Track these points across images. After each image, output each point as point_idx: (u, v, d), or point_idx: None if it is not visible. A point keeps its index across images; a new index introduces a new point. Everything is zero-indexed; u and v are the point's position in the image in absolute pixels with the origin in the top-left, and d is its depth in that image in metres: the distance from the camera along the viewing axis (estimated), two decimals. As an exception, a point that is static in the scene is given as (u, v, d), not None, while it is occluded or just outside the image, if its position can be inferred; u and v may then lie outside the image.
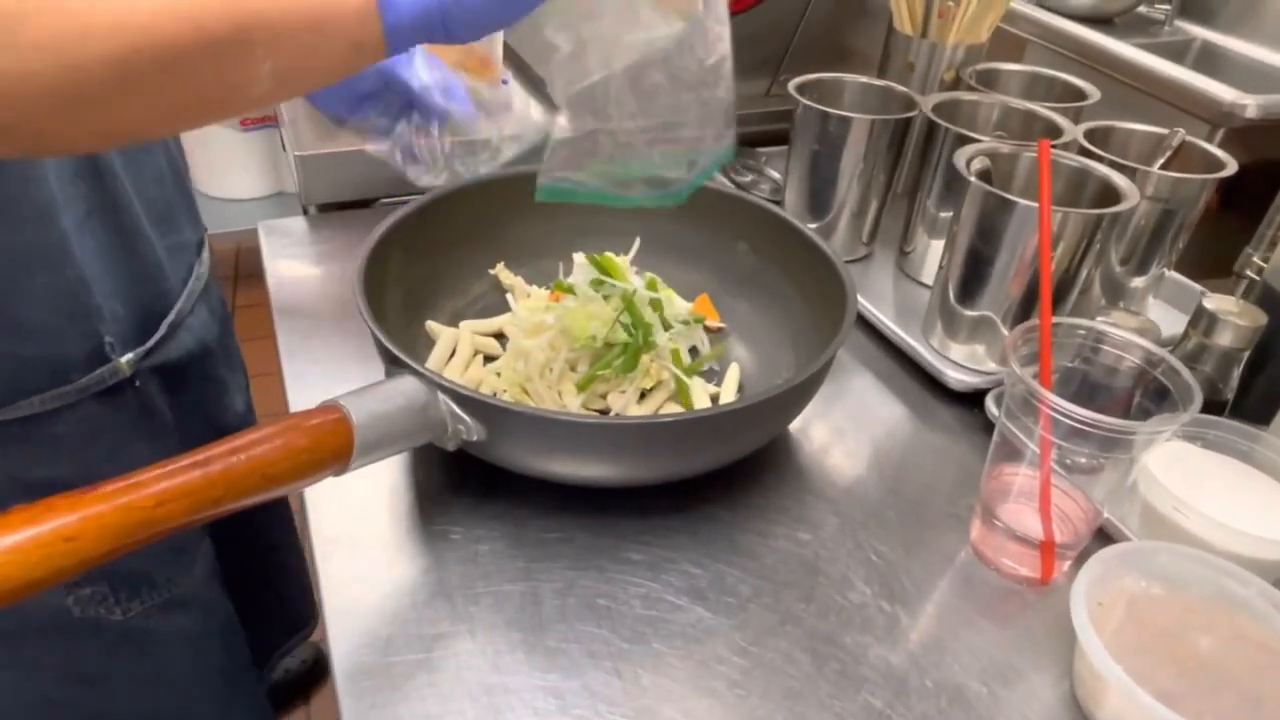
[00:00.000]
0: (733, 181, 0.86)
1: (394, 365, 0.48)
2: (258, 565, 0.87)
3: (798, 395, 0.52)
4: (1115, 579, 0.45)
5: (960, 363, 0.65)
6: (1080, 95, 0.77)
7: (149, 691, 0.67)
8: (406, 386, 0.45)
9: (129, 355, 0.56)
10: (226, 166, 2.01)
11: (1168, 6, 1.57)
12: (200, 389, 0.67)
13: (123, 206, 0.55)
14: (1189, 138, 0.69)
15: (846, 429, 0.62)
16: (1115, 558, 0.44)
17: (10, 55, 0.30)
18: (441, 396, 0.46)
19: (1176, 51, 1.53)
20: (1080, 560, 0.48)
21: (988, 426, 0.61)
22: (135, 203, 0.56)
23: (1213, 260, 0.92)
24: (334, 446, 0.42)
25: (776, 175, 0.87)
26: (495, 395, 0.58)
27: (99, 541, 0.34)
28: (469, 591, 0.47)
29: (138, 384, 0.58)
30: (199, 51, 0.33)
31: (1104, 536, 0.52)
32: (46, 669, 0.61)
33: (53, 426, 0.53)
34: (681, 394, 0.59)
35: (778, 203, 0.77)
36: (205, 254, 0.67)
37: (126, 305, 0.56)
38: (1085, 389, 0.52)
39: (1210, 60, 1.54)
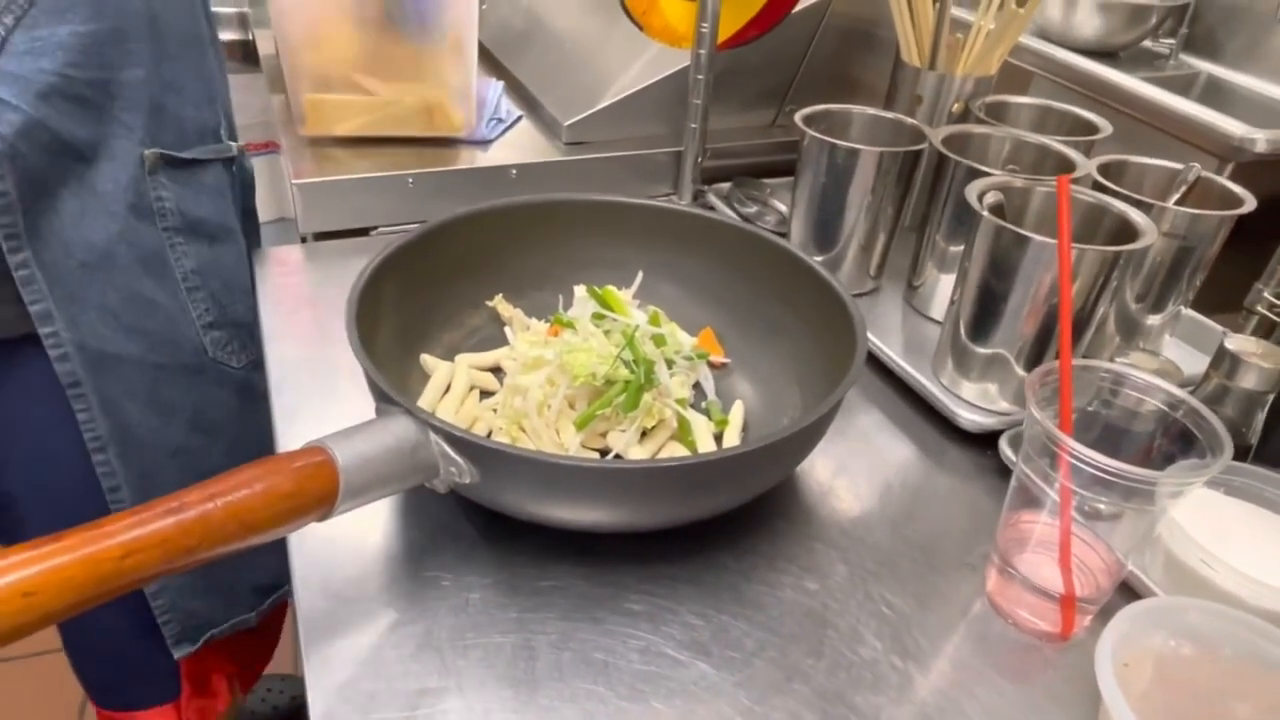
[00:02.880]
0: (737, 212, 0.85)
1: (384, 403, 0.46)
2: None
3: (806, 438, 0.50)
4: (1142, 637, 0.42)
5: (972, 402, 0.62)
6: (1091, 129, 0.76)
7: (248, 451, 0.72)
8: (396, 426, 0.43)
9: (233, 143, 0.76)
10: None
11: (1172, 41, 1.57)
12: (251, 213, 0.86)
13: (220, 46, 0.76)
14: (1205, 173, 0.67)
15: (854, 469, 0.59)
16: (1142, 614, 0.42)
17: None
18: (433, 437, 0.44)
19: (1182, 86, 1.53)
20: (1102, 615, 0.46)
21: (1001, 469, 0.59)
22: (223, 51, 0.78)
23: (1220, 296, 0.90)
24: (318, 491, 0.39)
25: (782, 207, 0.85)
26: (491, 433, 0.56)
27: (60, 596, 0.31)
28: (458, 643, 0.44)
29: (235, 169, 0.78)
30: None
31: (1126, 590, 0.50)
32: (180, 414, 0.73)
33: (204, 176, 0.72)
34: (684, 433, 0.57)
35: (783, 234, 0.76)
36: None
37: (223, 114, 0.76)
38: (1105, 433, 0.50)
39: (1215, 95, 1.54)
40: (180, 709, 0.83)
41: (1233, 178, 0.66)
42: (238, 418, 0.78)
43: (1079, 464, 0.42)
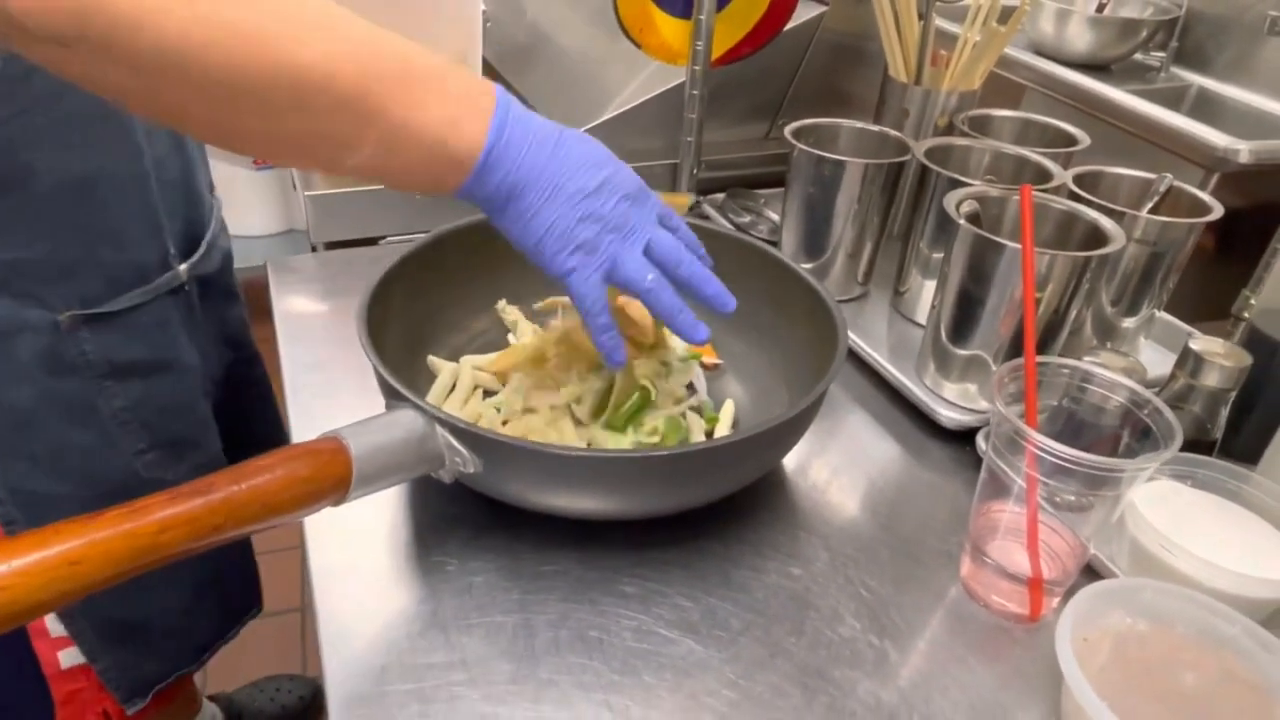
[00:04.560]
0: (731, 222, 0.88)
1: (393, 398, 0.49)
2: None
3: (790, 429, 0.53)
4: (1101, 615, 0.45)
5: (953, 401, 0.65)
6: (1071, 140, 0.79)
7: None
8: (405, 419, 0.47)
9: (184, 265, 0.73)
10: (238, 204, 2.05)
11: (1163, 54, 1.60)
12: (220, 295, 0.83)
13: (188, 149, 0.73)
14: (1177, 183, 0.70)
15: (841, 466, 0.62)
16: (1101, 594, 0.45)
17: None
18: (439, 429, 0.47)
19: (1172, 98, 1.56)
20: (1069, 597, 0.49)
21: (980, 464, 0.62)
22: (193, 146, 0.74)
23: (1211, 302, 0.93)
24: (333, 477, 0.43)
25: (775, 216, 0.88)
26: (495, 425, 0.59)
27: (103, 566, 0.35)
28: (463, 623, 0.47)
29: (187, 288, 0.74)
30: (325, 99, 0.40)
31: (1093, 574, 0.53)
32: None
33: (138, 317, 0.69)
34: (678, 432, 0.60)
35: (775, 243, 0.79)
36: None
37: (180, 226, 0.73)
38: (1072, 427, 0.53)
39: (1206, 107, 1.57)
40: None
41: (1219, 187, 0.69)
42: None
43: (1041, 453, 0.45)
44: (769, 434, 0.49)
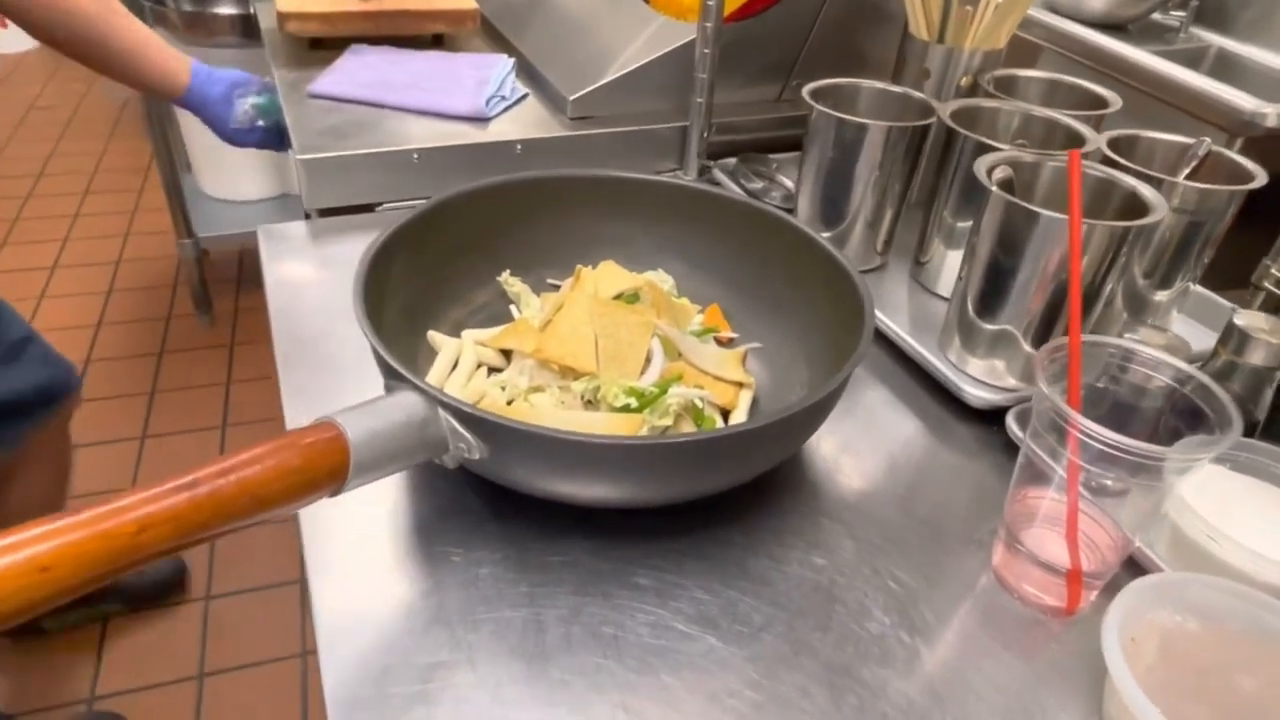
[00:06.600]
0: (743, 188, 0.84)
1: (393, 379, 0.46)
2: None
3: (813, 415, 0.50)
4: (1147, 612, 0.42)
5: (979, 378, 0.62)
6: (1101, 103, 0.75)
7: None
8: (406, 402, 0.43)
9: None
10: (230, 168, 1.99)
11: (1183, 13, 1.55)
12: None
13: None
14: (1215, 148, 0.66)
15: (860, 446, 0.60)
16: (1147, 589, 0.42)
17: None
18: (442, 413, 0.44)
19: (1191, 59, 1.51)
20: (1106, 590, 0.46)
21: (1007, 445, 0.59)
22: None
23: (1227, 272, 0.90)
24: (329, 466, 0.40)
25: (788, 182, 0.85)
26: (501, 406, 0.56)
27: (76, 570, 0.32)
28: (469, 618, 0.45)
29: None
30: None
31: (1131, 565, 0.50)
32: None
33: None
34: (696, 415, 0.57)
35: (789, 210, 0.75)
36: None
37: None
38: (1113, 409, 0.50)
39: (1225, 68, 1.52)
40: None
41: (1242, 152, 0.66)
42: None
43: (1087, 440, 0.42)
44: (792, 420, 0.46)
